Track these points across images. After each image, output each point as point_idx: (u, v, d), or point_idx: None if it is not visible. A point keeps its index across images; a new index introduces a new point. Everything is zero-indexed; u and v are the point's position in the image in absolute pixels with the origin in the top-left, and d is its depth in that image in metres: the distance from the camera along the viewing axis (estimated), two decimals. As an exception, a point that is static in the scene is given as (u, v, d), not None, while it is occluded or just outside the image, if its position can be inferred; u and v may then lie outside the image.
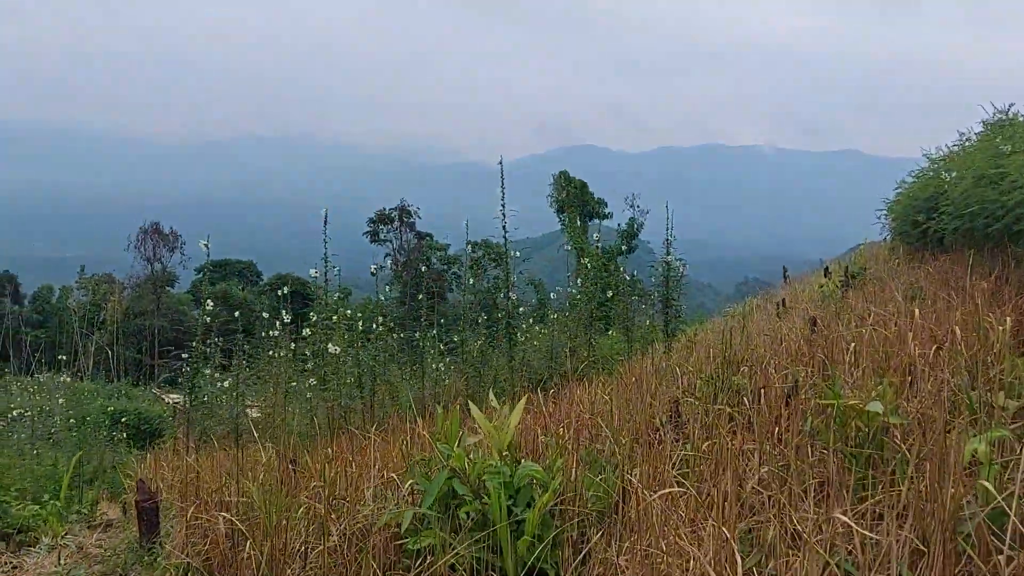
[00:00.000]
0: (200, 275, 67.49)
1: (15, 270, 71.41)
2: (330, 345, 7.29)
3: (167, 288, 66.32)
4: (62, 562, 7.55)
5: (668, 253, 9.64)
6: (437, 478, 3.77)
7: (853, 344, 4.85)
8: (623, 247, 43.06)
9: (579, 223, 52.48)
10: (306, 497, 4.51)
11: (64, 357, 23.46)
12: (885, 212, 15.91)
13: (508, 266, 8.73)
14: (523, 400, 3.54)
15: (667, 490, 2.99)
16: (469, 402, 3.77)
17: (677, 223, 10.24)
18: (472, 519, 3.62)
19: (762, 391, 4.41)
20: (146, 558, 6.85)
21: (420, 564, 3.59)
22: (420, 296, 9.47)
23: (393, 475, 4.10)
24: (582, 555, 3.43)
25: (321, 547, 3.72)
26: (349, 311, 7.99)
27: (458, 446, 4.03)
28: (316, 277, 7.44)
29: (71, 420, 15.67)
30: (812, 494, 3.20)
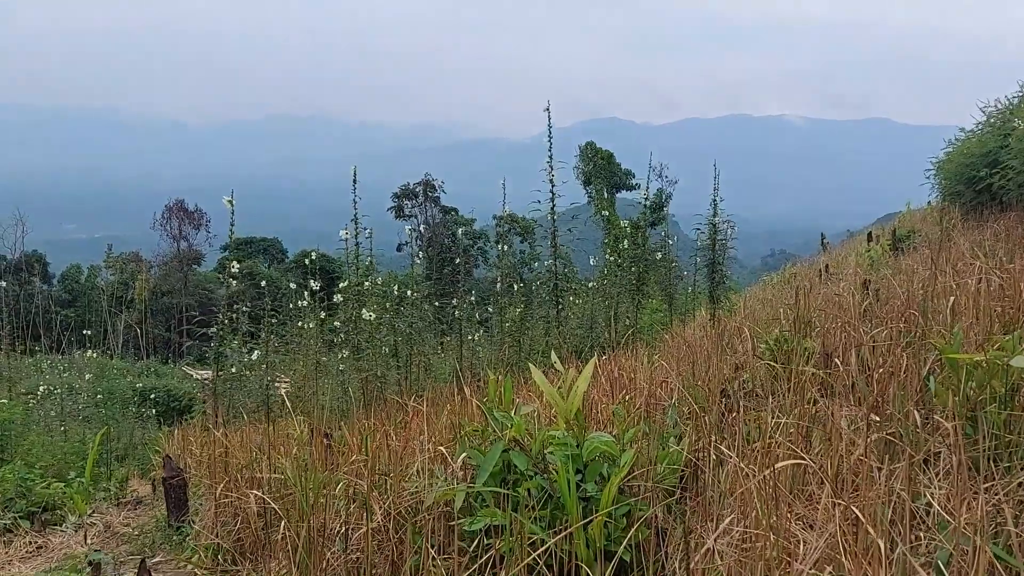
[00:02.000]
0: (226, 252, 67.62)
1: (45, 251, 71.96)
2: (364, 311, 6.88)
3: (193, 266, 66.50)
4: (88, 541, 7.29)
5: (715, 214, 9.11)
6: (492, 451, 3.34)
7: (953, 298, 4.33)
8: (651, 218, 42.31)
9: (606, 195, 51.80)
10: (344, 473, 4.12)
11: (90, 333, 23.38)
12: (933, 172, 15.21)
13: (555, 229, 8.30)
14: (591, 363, 3.09)
15: (787, 462, 2.52)
16: (531, 365, 3.33)
17: (700, 195, 9.76)
18: (534, 497, 3.19)
19: (856, 350, 3.91)
20: (175, 537, 6.54)
21: (475, 546, 3.17)
22: (446, 269, 9.03)
23: (441, 448, 3.67)
24: (668, 538, 3.00)
25: (364, 528, 3.31)
26: (380, 279, 7.59)
27: (513, 415, 3.60)
28: (346, 238, 7.02)
29: (98, 396, 15.51)
30: (939, 466, 2.74)
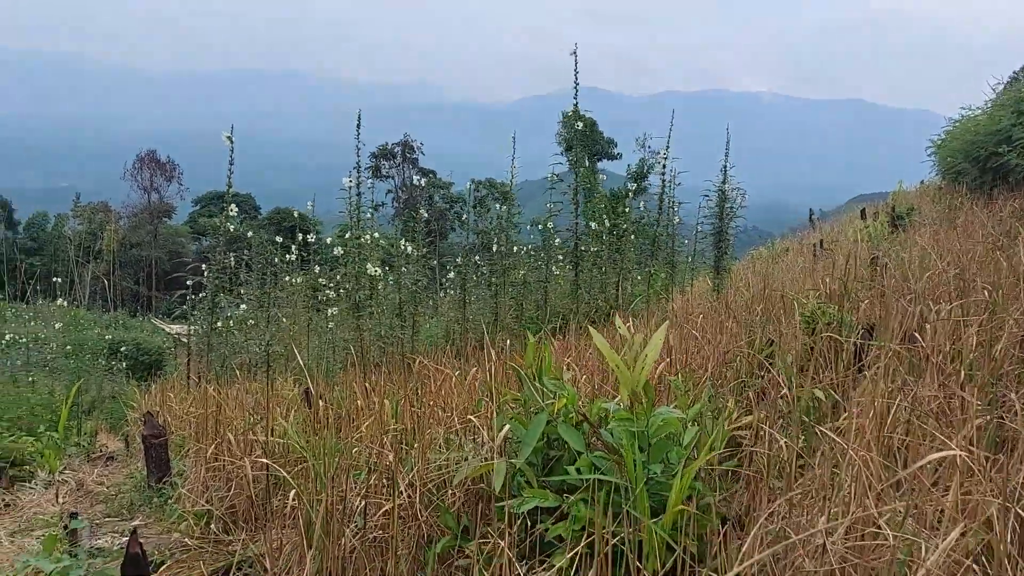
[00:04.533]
0: (198, 206, 66.34)
1: (9, 199, 69.97)
2: (369, 266, 6.44)
3: (164, 219, 65.15)
4: (61, 500, 6.86)
5: (724, 181, 8.76)
6: (535, 423, 2.97)
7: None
8: (633, 187, 41.95)
9: (587, 163, 51.26)
10: (357, 440, 3.74)
11: (60, 280, 22.64)
12: (932, 151, 15.00)
13: (578, 186, 7.89)
14: (662, 329, 2.72)
15: (937, 455, 2.18)
16: (590, 328, 2.95)
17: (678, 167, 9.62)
18: (584, 478, 2.84)
19: (932, 326, 3.58)
20: (155, 500, 6.12)
21: (519, 529, 2.82)
22: (422, 231, 8.60)
23: (472, 418, 3.30)
24: (735, 528, 2.67)
25: (391, 503, 2.94)
26: (377, 234, 7.15)
27: (540, 383, 3.24)
28: (350, 186, 6.55)
29: (68, 347, 14.93)
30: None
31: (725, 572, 2.42)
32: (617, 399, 3.00)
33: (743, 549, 2.39)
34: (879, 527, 2.25)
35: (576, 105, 7.29)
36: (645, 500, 2.52)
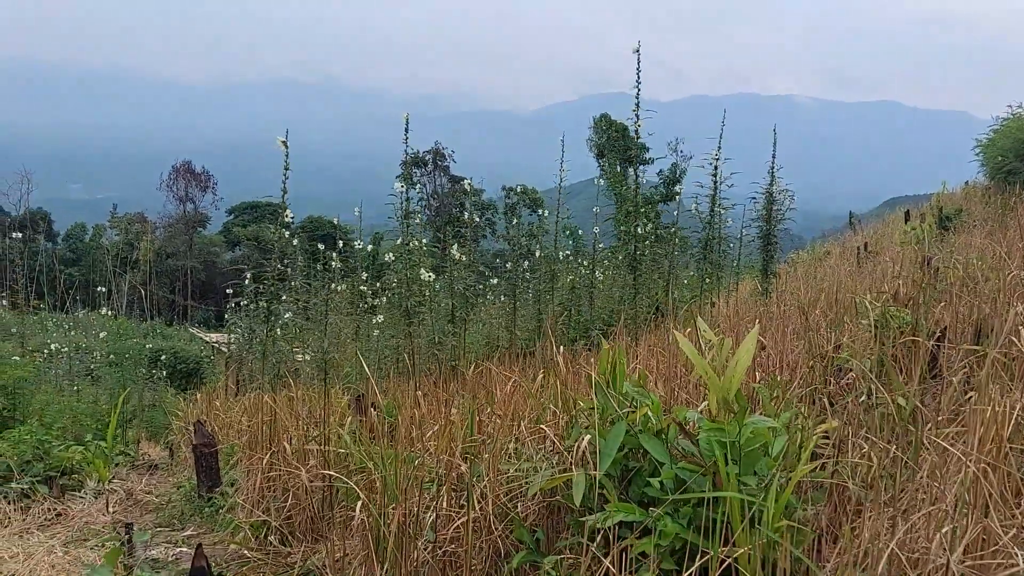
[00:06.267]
0: (232, 216, 66.99)
1: (50, 210, 71.19)
2: (422, 271, 6.35)
3: (199, 229, 65.88)
4: (111, 509, 6.85)
5: (772, 181, 8.57)
6: (614, 433, 2.85)
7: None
8: (663, 193, 41.61)
9: (619, 168, 50.99)
10: (420, 451, 3.64)
11: (103, 289, 22.87)
12: (979, 151, 14.65)
13: (637, 186, 7.76)
14: (753, 333, 2.59)
15: None
16: (674, 332, 2.83)
17: (706, 180, 9.34)
18: (667, 490, 2.71)
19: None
20: (207, 509, 6.08)
21: (599, 544, 2.70)
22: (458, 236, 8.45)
23: (544, 428, 3.19)
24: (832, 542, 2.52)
25: (464, 518, 2.83)
26: (424, 240, 7.06)
27: (615, 390, 3.12)
28: (400, 191, 6.48)
29: (111, 356, 15.03)
30: None
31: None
32: (701, 407, 2.87)
33: (844, 563, 2.25)
34: (1001, 545, 2.10)
35: (637, 101, 7.10)
36: (738, 511, 2.39)
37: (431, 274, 6.48)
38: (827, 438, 3.32)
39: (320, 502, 4.12)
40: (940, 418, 3.37)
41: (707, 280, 7.72)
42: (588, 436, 2.78)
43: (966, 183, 18.46)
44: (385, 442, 3.82)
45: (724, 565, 2.36)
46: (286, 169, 5.40)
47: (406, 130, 6.42)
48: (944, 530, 2.12)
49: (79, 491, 7.08)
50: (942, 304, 4.81)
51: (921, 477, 2.51)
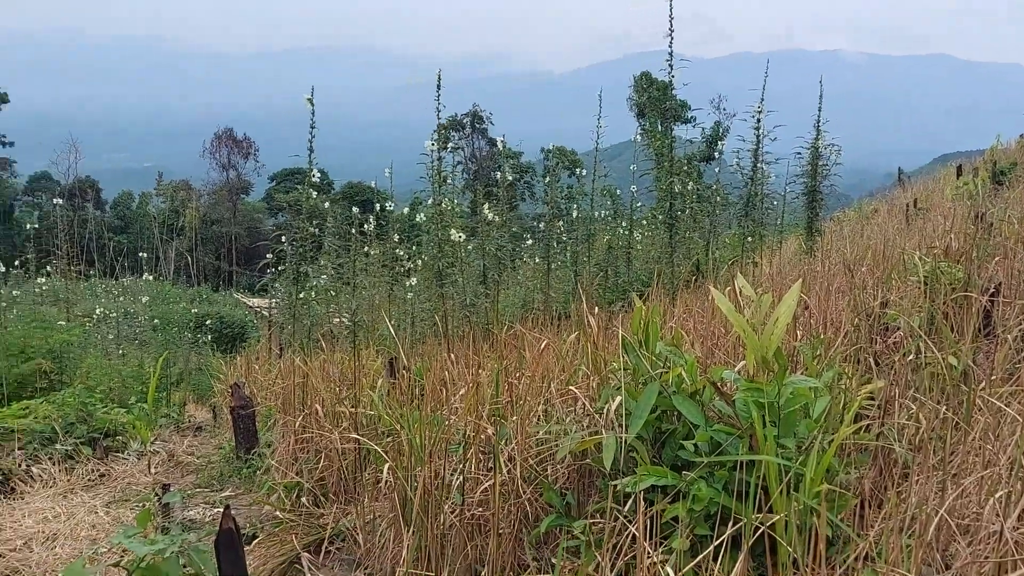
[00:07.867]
0: (274, 182, 67.59)
1: (97, 179, 72.46)
2: (452, 232, 6.26)
3: (242, 196, 66.62)
4: (153, 470, 6.96)
5: (818, 136, 8.27)
6: (646, 394, 2.73)
7: None
8: (705, 153, 40.84)
9: (660, 127, 50.21)
10: (448, 413, 3.57)
11: (146, 255, 23.30)
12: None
13: (672, 140, 7.56)
14: (795, 288, 2.44)
15: None
16: (712, 288, 2.70)
17: (748, 134, 8.98)
18: (702, 453, 2.59)
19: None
20: (244, 471, 6.13)
21: (629, 507, 2.60)
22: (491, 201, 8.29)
23: (573, 388, 3.08)
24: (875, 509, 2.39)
25: (492, 480, 2.76)
26: (460, 203, 6.96)
27: (648, 350, 3.00)
28: (431, 150, 6.38)
29: (155, 321, 15.31)
30: None
31: (877, 558, 2.15)
32: (739, 367, 2.74)
33: (889, 528, 2.12)
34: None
35: (671, 51, 6.84)
36: (775, 478, 2.27)
37: (461, 234, 6.38)
38: (872, 399, 3.17)
39: (351, 464, 4.09)
40: (993, 377, 3.20)
41: (749, 239, 7.51)
42: (619, 398, 2.67)
43: (1021, 136, 17.76)
44: (413, 404, 3.75)
45: (759, 533, 2.25)
46: (312, 128, 5.32)
47: (438, 87, 6.29)
48: (997, 495, 1.98)
49: (122, 452, 7.20)
50: (996, 259, 4.58)
51: (973, 439, 2.37)
